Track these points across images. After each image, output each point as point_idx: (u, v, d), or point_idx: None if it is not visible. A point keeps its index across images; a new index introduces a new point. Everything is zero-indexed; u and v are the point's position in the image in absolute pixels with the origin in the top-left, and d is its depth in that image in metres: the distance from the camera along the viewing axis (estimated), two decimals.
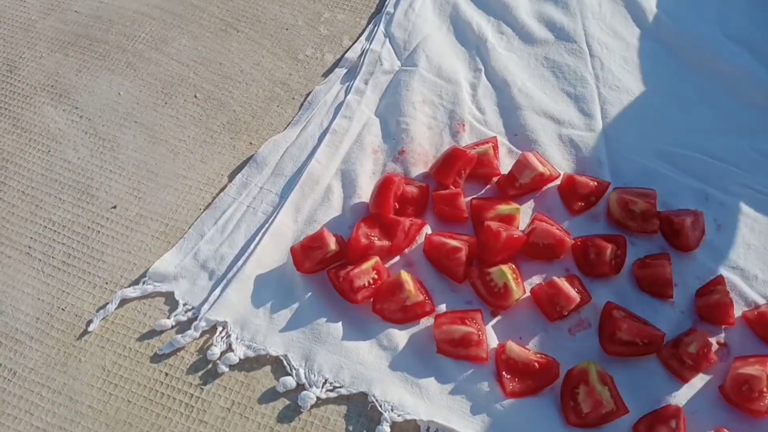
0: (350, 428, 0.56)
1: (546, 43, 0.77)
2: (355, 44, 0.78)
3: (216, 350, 0.59)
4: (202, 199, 0.68)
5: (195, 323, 0.60)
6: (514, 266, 0.61)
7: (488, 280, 0.60)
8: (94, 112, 0.74)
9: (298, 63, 0.78)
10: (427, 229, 0.64)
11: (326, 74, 0.77)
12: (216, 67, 0.77)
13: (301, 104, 0.74)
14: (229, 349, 0.59)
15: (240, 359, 0.58)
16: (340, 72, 0.76)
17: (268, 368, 0.58)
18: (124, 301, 0.62)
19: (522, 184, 0.66)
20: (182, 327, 0.61)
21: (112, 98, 0.75)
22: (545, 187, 0.67)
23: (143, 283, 0.62)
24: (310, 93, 0.75)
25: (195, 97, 0.75)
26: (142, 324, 0.61)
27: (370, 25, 0.80)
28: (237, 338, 0.59)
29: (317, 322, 0.59)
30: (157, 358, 0.59)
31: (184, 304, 0.61)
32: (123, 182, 0.69)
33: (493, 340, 0.59)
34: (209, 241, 0.64)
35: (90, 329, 0.59)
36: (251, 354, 0.58)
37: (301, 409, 0.56)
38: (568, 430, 0.55)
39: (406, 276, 0.60)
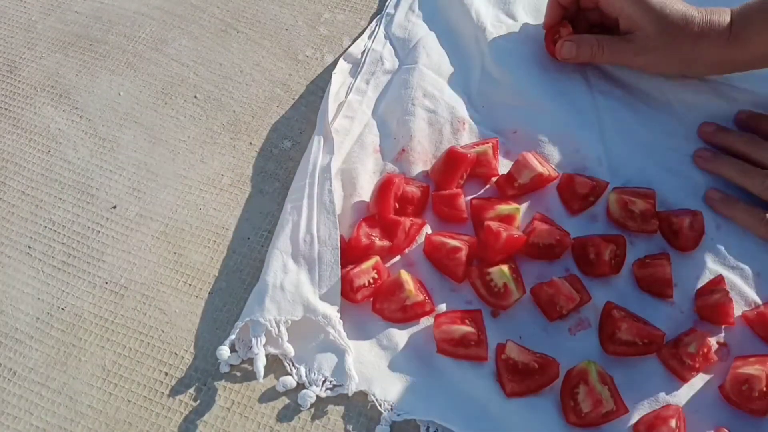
0: (350, 428, 0.56)
1: (543, 38, 0.76)
2: (358, 41, 0.78)
3: (225, 348, 0.58)
4: (202, 199, 0.68)
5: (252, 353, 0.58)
6: (514, 266, 0.61)
7: (488, 279, 0.60)
8: (94, 113, 0.74)
9: (298, 63, 0.78)
10: (428, 229, 0.64)
11: (329, 69, 0.76)
12: (216, 68, 0.78)
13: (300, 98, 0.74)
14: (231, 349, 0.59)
15: (242, 359, 0.58)
16: (344, 66, 0.76)
17: (267, 367, 0.58)
18: (122, 300, 0.62)
19: (521, 184, 0.66)
20: None
21: (112, 98, 0.75)
22: (544, 187, 0.67)
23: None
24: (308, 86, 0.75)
25: (195, 97, 0.75)
26: (141, 323, 0.61)
27: (372, 24, 0.80)
28: (238, 338, 0.59)
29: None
30: (162, 363, 0.59)
31: None
32: (123, 182, 0.69)
33: (493, 340, 0.59)
34: None
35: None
36: (251, 354, 0.58)
37: (301, 408, 0.56)
38: (568, 429, 0.55)
39: (406, 276, 0.60)
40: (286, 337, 0.57)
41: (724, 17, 0.65)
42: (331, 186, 0.64)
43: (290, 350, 0.57)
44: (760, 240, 0.64)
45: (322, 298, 0.59)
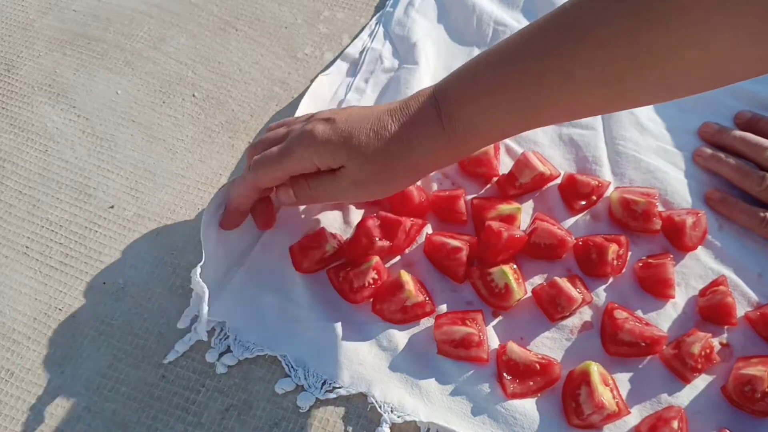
0: (350, 430, 0.55)
1: None
2: (356, 40, 0.78)
3: (214, 352, 0.58)
4: (200, 198, 0.68)
5: (195, 325, 0.59)
6: (515, 266, 0.60)
7: (489, 280, 0.60)
8: (92, 111, 0.73)
9: (298, 62, 0.78)
10: (428, 229, 0.64)
11: (326, 68, 0.76)
12: (214, 66, 0.77)
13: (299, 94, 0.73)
14: (228, 350, 0.58)
15: (239, 360, 0.58)
16: (342, 66, 0.75)
17: (266, 369, 0.58)
18: (120, 301, 0.61)
19: (522, 183, 0.65)
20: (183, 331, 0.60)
21: (109, 97, 0.74)
22: (546, 187, 0.67)
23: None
24: (309, 85, 0.74)
25: (193, 96, 0.75)
26: (139, 324, 0.60)
27: (371, 22, 0.80)
28: (235, 339, 0.59)
29: (316, 322, 0.59)
30: (159, 365, 0.59)
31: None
32: (120, 182, 0.68)
33: (494, 341, 0.58)
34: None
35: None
36: (249, 355, 0.58)
37: (300, 410, 0.56)
38: (569, 431, 0.55)
39: (406, 276, 0.59)
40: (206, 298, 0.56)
41: (427, 109, 0.53)
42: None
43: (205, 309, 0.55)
44: (762, 240, 0.63)
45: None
